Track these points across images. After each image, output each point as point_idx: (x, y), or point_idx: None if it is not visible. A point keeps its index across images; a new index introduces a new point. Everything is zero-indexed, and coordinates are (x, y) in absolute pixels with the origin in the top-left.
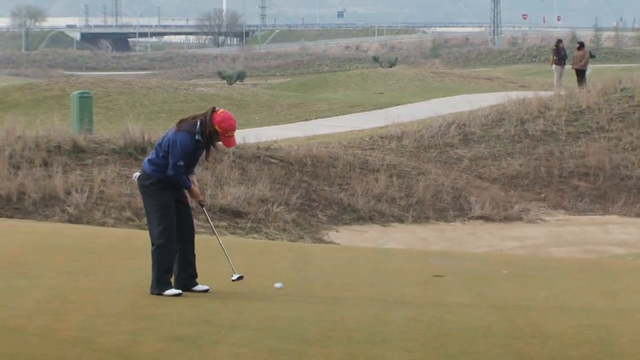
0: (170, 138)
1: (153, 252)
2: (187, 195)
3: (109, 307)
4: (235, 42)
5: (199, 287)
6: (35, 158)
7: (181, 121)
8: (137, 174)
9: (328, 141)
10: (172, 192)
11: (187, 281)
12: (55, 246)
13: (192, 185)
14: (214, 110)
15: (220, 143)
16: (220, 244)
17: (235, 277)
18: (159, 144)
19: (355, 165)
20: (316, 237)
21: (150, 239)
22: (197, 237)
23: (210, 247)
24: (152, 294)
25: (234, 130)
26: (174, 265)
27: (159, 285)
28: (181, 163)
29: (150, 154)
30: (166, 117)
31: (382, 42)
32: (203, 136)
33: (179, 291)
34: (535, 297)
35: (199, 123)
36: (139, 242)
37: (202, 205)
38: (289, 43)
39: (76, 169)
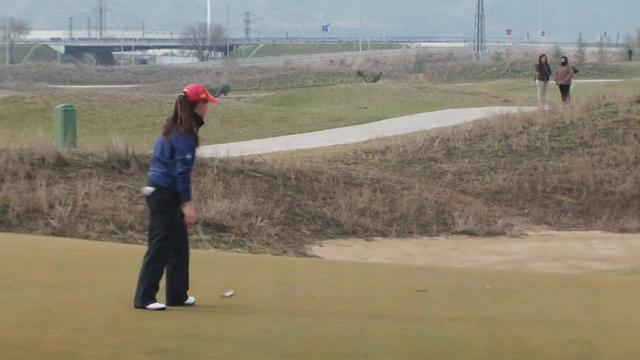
0: (178, 142)
1: (146, 264)
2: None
3: (92, 320)
4: (219, 55)
5: (189, 300)
6: (19, 171)
7: (168, 132)
8: (149, 188)
9: (312, 155)
10: (179, 211)
11: (183, 295)
12: (38, 259)
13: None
14: (184, 98)
15: (207, 106)
16: (214, 261)
17: (228, 293)
18: (161, 156)
19: (339, 180)
20: (300, 251)
21: (147, 250)
22: None
23: (192, 260)
24: (136, 307)
25: (205, 90)
26: (169, 280)
27: (144, 298)
28: (189, 156)
29: (158, 168)
30: (150, 130)
31: (366, 56)
32: (193, 126)
33: (163, 305)
34: (518, 312)
35: (183, 122)
36: (122, 255)
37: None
38: (273, 57)
39: (60, 182)
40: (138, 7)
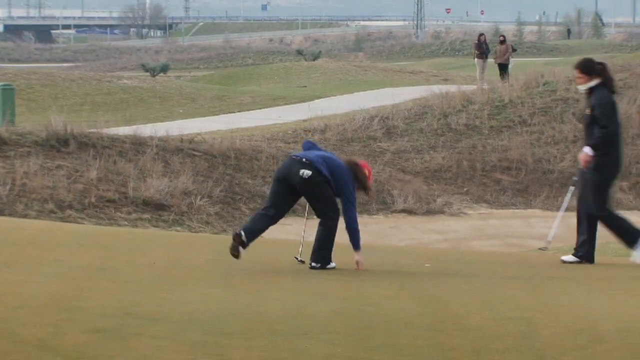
0: (344, 177)
1: (329, 226)
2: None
3: (31, 299)
4: (158, 34)
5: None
6: None
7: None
8: (307, 172)
9: (251, 134)
10: None
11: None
12: None
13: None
14: (357, 164)
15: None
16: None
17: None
18: (324, 160)
19: (278, 159)
20: None
21: (322, 218)
22: (120, 230)
23: (132, 239)
24: (314, 268)
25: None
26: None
27: (326, 259)
28: (355, 209)
29: (316, 157)
30: (89, 109)
31: (305, 35)
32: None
33: (335, 264)
34: (457, 290)
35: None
36: (61, 234)
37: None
38: (213, 36)
39: None
40: None
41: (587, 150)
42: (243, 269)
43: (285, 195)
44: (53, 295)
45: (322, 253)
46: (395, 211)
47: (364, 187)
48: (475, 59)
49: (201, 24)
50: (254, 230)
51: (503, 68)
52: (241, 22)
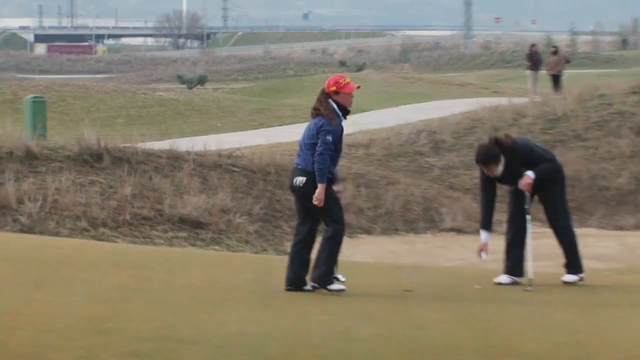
0: (317, 123)
1: (330, 239)
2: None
3: (63, 321)
4: (195, 44)
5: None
6: None
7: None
8: (301, 178)
9: (292, 149)
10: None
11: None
12: (6, 257)
13: (323, 186)
14: (325, 94)
15: (346, 96)
16: None
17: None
18: (305, 142)
19: None
20: (280, 249)
21: (329, 229)
22: (155, 249)
23: (168, 259)
24: (314, 287)
25: (344, 77)
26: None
27: (328, 278)
28: (330, 138)
29: (303, 156)
30: (123, 122)
31: (349, 45)
32: (340, 114)
33: (344, 287)
34: (509, 313)
35: (330, 110)
36: (94, 253)
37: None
38: (252, 46)
39: (29, 176)
40: None
41: (530, 174)
42: (284, 290)
43: (304, 205)
44: (85, 317)
45: (324, 268)
46: (444, 230)
47: (346, 104)
48: (527, 71)
49: (240, 34)
50: (295, 273)
51: (556, 80)
52: (281, 32)
